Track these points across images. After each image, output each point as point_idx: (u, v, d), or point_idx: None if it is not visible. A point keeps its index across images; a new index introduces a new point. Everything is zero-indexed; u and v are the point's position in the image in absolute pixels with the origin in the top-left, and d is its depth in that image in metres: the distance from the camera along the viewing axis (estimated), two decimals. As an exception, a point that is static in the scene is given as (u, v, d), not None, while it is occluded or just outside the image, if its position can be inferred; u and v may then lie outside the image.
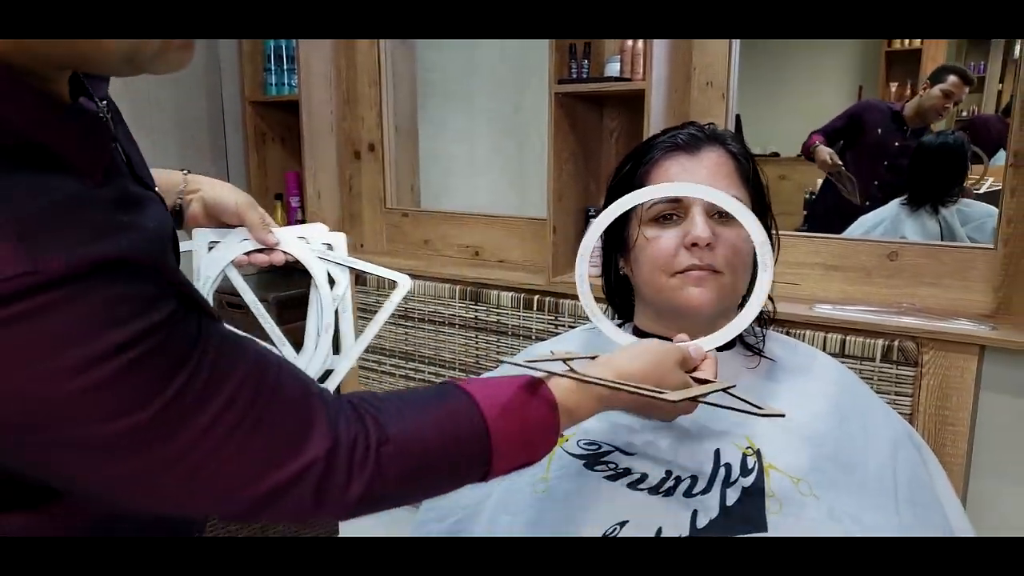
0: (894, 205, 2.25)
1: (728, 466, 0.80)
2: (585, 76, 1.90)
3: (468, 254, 2.31)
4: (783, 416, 0.70)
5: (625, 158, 0.94)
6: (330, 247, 0.91)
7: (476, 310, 2.04)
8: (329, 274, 0.89)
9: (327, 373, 0.89)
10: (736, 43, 1.77)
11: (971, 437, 1.43)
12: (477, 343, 2.05)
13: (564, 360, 0.70)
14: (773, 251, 0.93)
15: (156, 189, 0.66)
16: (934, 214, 2.23)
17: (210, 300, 0.89)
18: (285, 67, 2.47)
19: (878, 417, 0.88)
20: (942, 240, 2.09)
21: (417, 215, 2.48)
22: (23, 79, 0.46)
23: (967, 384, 1.39)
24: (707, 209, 0.85)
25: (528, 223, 2.14)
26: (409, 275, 2.17)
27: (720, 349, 0.91)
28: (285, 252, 0.90)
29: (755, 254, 0.89)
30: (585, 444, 0.86)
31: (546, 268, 1.91)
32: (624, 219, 0.89)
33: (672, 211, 0.86)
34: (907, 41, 2.74)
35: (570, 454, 0.85)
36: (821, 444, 0.81)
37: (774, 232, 0.93)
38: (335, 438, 0.56)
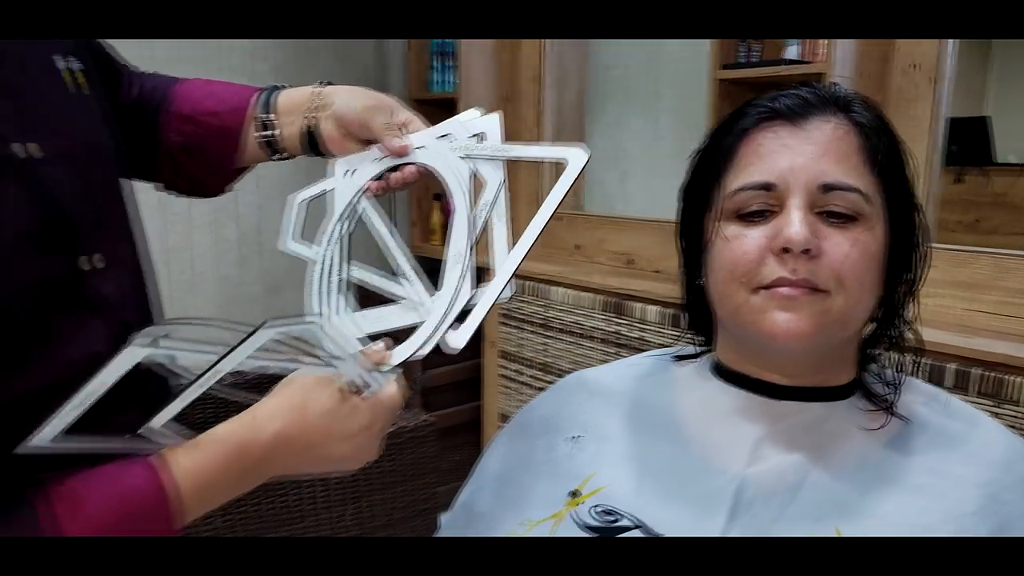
0: None
1: None
2: (756, 60, 1.65)
3: (620, 262, 2.12)
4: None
5: (711, 130, 0.70)
6: (481, 138, 0.71)
7: (618, 323, 1.85)
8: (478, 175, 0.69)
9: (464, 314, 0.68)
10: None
11: None
12: (617, 359, 1.86)
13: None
14: (921, 264, 0.66)
15: (20, 144, 0.53)
16: None
17: (343, 244, 0.76)
18: (448, 64, 2.44)
19: None
20: None
21: (572, 218, 2.32)
22: None
23: None
24: (812, 200, 0.60)
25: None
26: (554, 283, 2.05)
27: (829, 398, 0.66)
28: (418, 164, 0.73)
29: (886, 263, 0.63)
30: (599, 513, 0.64)
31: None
32: (701, 212, 0.67)
33: (762, 201, 0.62)
34: None
35: (580, 524, 0.64)
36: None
37: (919, 239, 0.65)
38: None
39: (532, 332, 2.13)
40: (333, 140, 0.76)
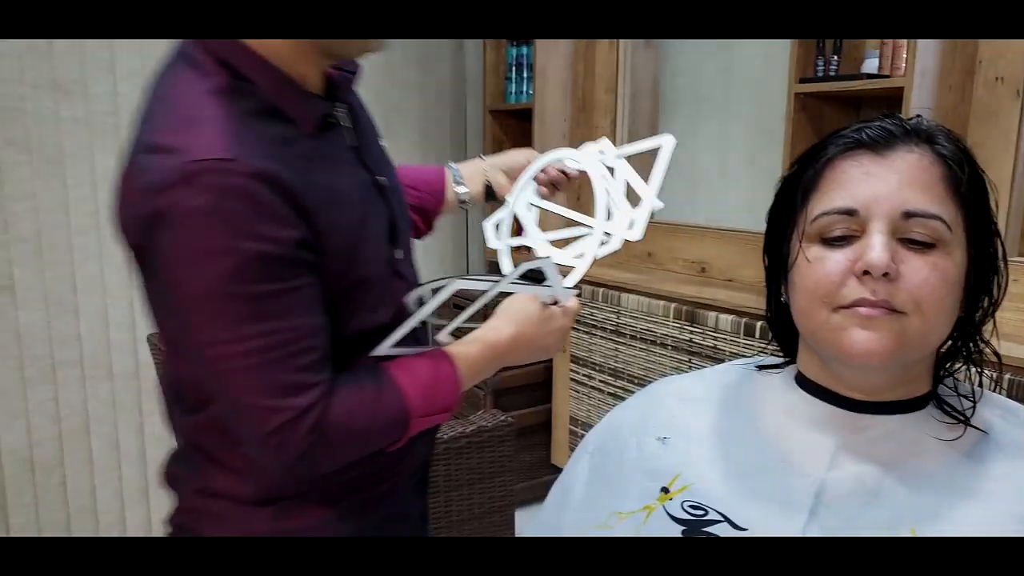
0: None
1: None
2: (833, 74, 1.66)
3: (694, 270, 2.15)
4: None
5: (797, 158, 0.74)
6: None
7: (691, 332, 1.88)
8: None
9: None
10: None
11: None
12: (690, 367, 1.89)
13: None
14: (999, 288, 0.69)
15: (382, 178, 0.87)
16: None
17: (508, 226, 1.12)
18: (525, 75, 2.51)
19: None
20: None
21: (644, 226, 2.36)
22: (278, 70, 0.76)
23: None
24: (894, 227, 0.63)
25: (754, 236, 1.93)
26: (626, 290, 2.09)
27: (907, 410, 0.69)
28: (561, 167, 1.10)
29: (966, 286, 0.66)
30: (691, 507, 0.69)
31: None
32: (785, 232, 0.72)
33: (844, 226, 0.65)
34: None
35: (671, 516, 0.70)
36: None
37: (999, 264, 0.68)
38: (310, 405, 0.74)
39: (603, 338, 2.18)
40: (502, 187, 1.11)
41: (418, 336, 0.90)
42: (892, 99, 1.53)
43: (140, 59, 2.11)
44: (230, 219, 0.68)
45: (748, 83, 2.65)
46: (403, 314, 0.84)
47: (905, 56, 1.50)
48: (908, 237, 0.63)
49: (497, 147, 2.64)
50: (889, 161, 0.65)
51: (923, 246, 0.63)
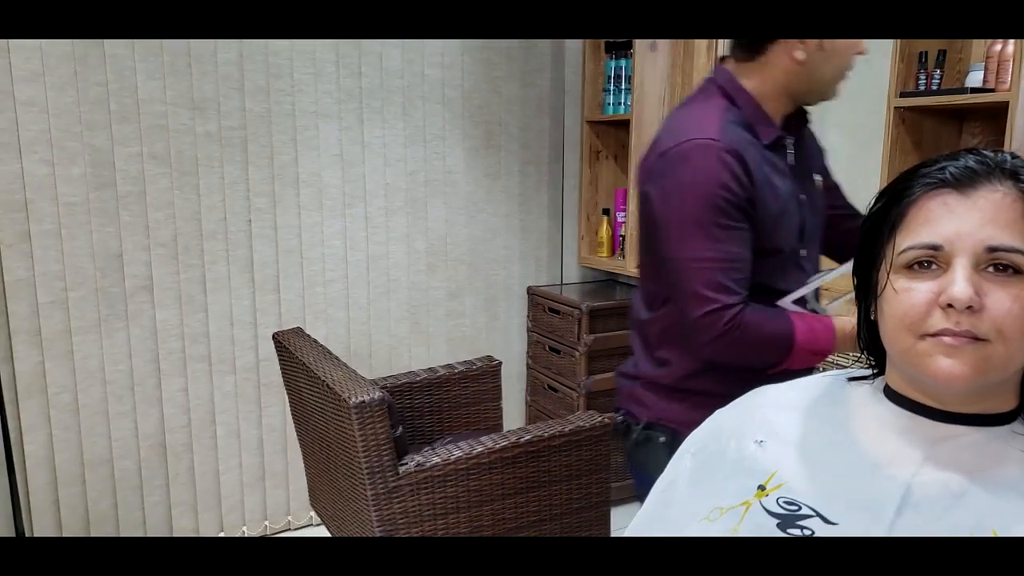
0: None
1: None
2: (936, 87, 1.67)
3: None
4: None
5: (880, 192, 0.79)
6: None
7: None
8: None
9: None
10: None
11: None
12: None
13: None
14: None
15: (803, 195, 1.25)
16: None
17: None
18: (623, 87, 2.58)
19: None
20: None
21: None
22: (757, 103, 1.20)
23: None
24: (977, 260, 0.68)
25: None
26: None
27: (991, 424, 0.74)
28: None
29: None
30: (785, 503, 0.75)
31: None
32: (874, 260, 0.77)
33: (930, 258, 0.70)
34: None
35: (767, 511, 0.76)
36: None
37: None
38: (733, 304, 1.13)
39: (697, 344, 2.23)
40: None
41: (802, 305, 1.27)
42: (997, 112, 1.53)
43: (266, 77, 2.30)
44: (711, 174, 1.09)
45: (847, 95, 2.63)
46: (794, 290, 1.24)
47: (1011, 69, 1.50)
48: (990, 270, 0.68)
49: (595, 157, 2.72)
50: (972, 200, 0.70)
51: (1006, 278, 0.68)
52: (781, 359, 1.17)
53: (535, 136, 2.76)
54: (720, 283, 1.12)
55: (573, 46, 2.75)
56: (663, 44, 2.42)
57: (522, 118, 2.72)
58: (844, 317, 1.20)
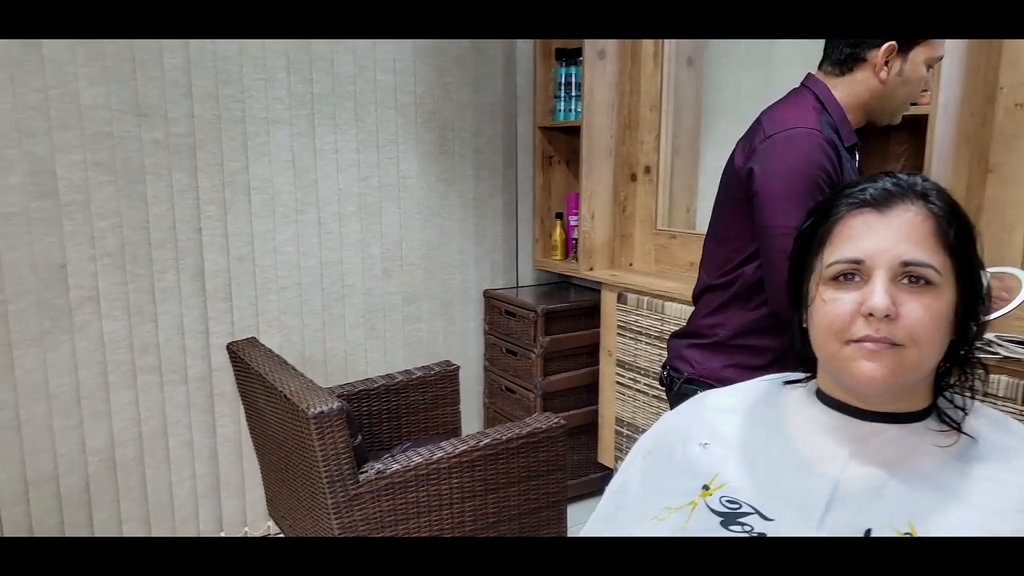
0: None
1: None
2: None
3: (734, 280, 2.24)
4: None
5: (809, 212, 0.86)
6: None
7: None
8: None
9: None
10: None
11: None
12: (731, 373, 1.98)
13: None
14: (980, 334, 0.81)
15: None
16: None
17: None
18: (573, 94, 2.62)
19: None
20: None
21: (686, 237, 2.46)
22: (842, 111, 1.38)
23: None
24: (893, 273, 0.76)
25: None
26: (669, 299, 2.19)
27: (909, 421, 0.80)
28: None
29: (955, 321, 0.78)
30: (728, 501, 0.80)
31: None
32: (804, 273, 0.84)
33: (853, 271, 0.78)
34: None
35: (711, 509, 0.81)
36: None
37: (980, 310, 0.79)
38: None
39: (647, 343, 2.28)
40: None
41: None
42: (918, 124, 1.61)
43: (215, 83, 2.27)
44: (813, 157, 1.26)
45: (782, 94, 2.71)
46: None
47: (931, 83, 1.58)
48: (905, 281, 0.76)
49: (547, 162, 2.76)
50: (889, 219, 0.78)
51: (918, 289, 0.76)
52: None
53: (488, 141, 2.79)
54: None
55: (524, 53, 2.78)
56: (611, 53, 2.47)
57: (475, 123, 2.75)
58: None
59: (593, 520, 0.98)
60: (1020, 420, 1.29)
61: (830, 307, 0.79)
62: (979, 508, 0.73)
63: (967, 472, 0.76)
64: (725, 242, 1.44)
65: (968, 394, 0.83)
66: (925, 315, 0.75)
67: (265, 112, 2.36)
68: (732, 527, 0.78)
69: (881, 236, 0.77)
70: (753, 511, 0.79)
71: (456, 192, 2.77)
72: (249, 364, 1.73)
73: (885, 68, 1.34)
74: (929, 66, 1.37)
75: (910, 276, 0.76)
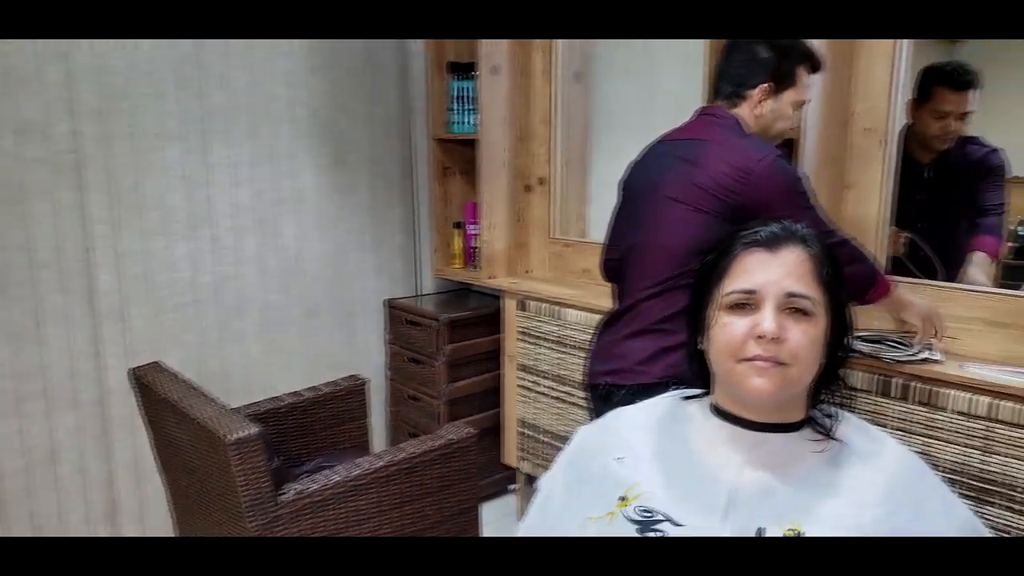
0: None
1: None
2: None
3: (625, 286, 2.39)
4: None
5: (707, 251, 1.00)
6: None
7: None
8: None
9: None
10: (899, 90, 1.71)
11: None
12: (626, 374, 2.13)
13: None
14: (847, 357, 0.97)
15: None
16: None
17: None
18: (468, 107, 2.70)
19: (936, 510, 0.87)
20: None
21: (580, 245, 2.60)
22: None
23: None
24: (780, 303, 0.90)
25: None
26: (566, 305, 2.31)
27: (789, 430, 0.95)
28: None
29: (827, 343, 0.92)
30: (642, 511, 0.92)
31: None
32: (705, 301, 0.97)
33: (747, 301, 0.92)
34: None
35: (628, 518, 0.93)
36: (863, 534, 0.83)
37: (847, 338, 0.96)
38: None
39: (548, 348, 2.40)
40: None
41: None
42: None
43: (100, 98, 2.20)
44: (793, 171, 1.51)
45: (666, 106, 2.90)
46: None
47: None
48: (789, 310, 0.91)
49: (444, 173, 2.82)
50: (777, 257, 0.93)
51: (799, 317, 0.90)
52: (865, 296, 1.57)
53: (385, 153, 2.82)
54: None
55: (417, 66, 2.83)
56: (504, 68, 2.56)
57: (371, 135, 2.77)
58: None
59: (522, 531, 1.07)
60: (876, 408, 1.49)
61: (727, 330, 0.92)
62: (849, 503, 0.88)
63: (838, 472, 0.91)
64: (672, 258, 1.54)
65: (837, 405, 0.98)
66: (804, 339, 0.90)
67: (156, 128, 2.31)
68: (648, 534, 0.90)
69: (771, 271, 0.91)
70: (665, 518, 0.91)
71: (354, 203, 2.79)
72: (156, 391, 1.71)
73: (759, 105, 1.56)
74: (796, 107, 1.59)
75: (793, 306, 0.90)
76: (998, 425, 1.40)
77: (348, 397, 2.18)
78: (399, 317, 2.82)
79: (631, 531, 0.91)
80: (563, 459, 1.09)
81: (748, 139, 1.55)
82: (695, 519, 0.90)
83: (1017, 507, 1.39)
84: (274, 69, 2.51)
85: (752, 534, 0.86)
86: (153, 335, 2.40)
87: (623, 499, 0.95)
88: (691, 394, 1.07)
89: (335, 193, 2.73)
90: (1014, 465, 1.38)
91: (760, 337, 0.89)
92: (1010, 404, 1.39)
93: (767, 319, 0.89)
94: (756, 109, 1.57)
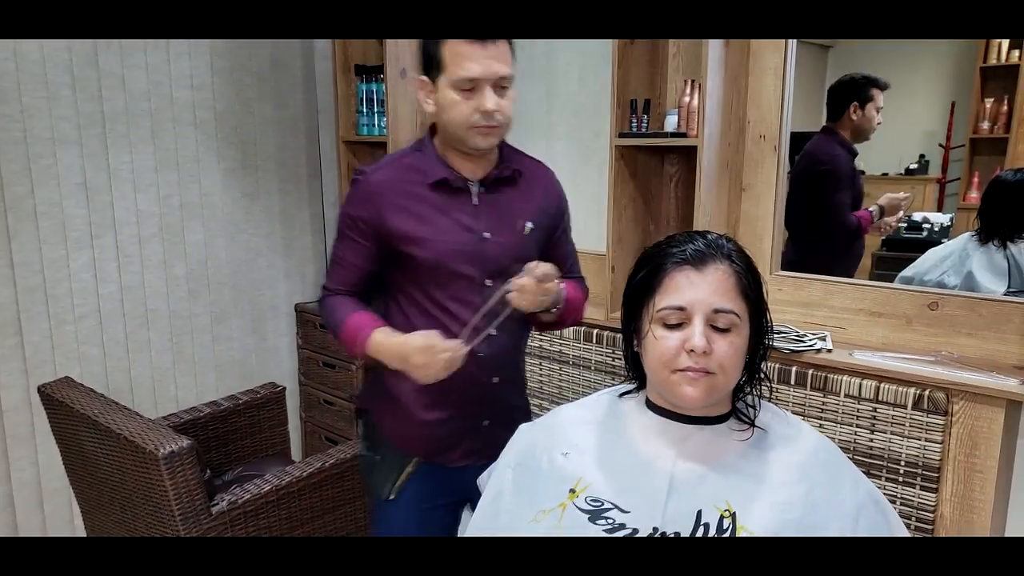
0: (964, 238, 2.27)
1: (707, 525, 0.95)
2: (645, 130, 2.04)
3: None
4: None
5: (639, 263, 1.08)
6: None
7: (540, 339, 2.21)
8: None
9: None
10: (788, 99, 1.87)
11: (1001, 482, 1.50)
12: (540, 370, 2.22)
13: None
14: (766, 355, 1.08)
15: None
16: (1002, 248, 2.25)
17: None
18: (376, 110, 2.71)
19: (845, 485, 1.00)
20: (1008, 276, 2.11)
21: (492, 246, 2.66)
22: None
23: (995, 434, 1.47)
24: (708, 318, 0.99)
25: (594, 258, 2.20)
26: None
27: (716, 422, 1.06)
28: None
29: (749, 348, 1.04)
30: (592, 500, 1.01)
31: (606, 303, 2.06)
32: (639, 312, 1.06)
33: (678, 318, 1.00)
34: (1003, 56, 2.65)
35: (578, 508, 1.01)
36: (787, 510, 0.95)
37: (767, 339, 1.07)
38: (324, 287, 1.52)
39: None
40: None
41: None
42: (689, 149, 1.92)
43: (-13, 103, 2.08)
44: None
45: (566, 103, 3.00)
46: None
47: (697, 119, 1.90)
48: (716, 325, 1.00)
49: (351, 175, 2.81)
50: (704, 275, 1.01)
51: (725, 330, 1.00)
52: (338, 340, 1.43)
53: (292, 155, 2.79)
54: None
55: (323, 68, 2.81)
56: (412, 72, 2.59)
57: (278, 138, 2.74)
58: (382, 332, 1.34)
59: (472, 530, 1.13)
60: (780, 391, 1.63)
61: (661, 343, 1.00)
62: (772, 484, 0.99)
63: (762, 457, 1.02)
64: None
65: (759, 396, 1.09)
66: (730, 350, 1.00)
67: (50, 132, 2.20)
68: (598, 521, 0.98)
69: (699, 289, 1.00)
70: (613, 506, 0.99)
71: (261, 207, 2.75)
72: (71, 406, 1.66)
73: (428, 101, 1.37)
74: (460, 89, 1.30)
75: (719, 321, 0.99)
76: (882, 406, 1.57)
77: (267, 405, 2.16)
78: (311, 321, 2.80)
79: (583, 520, 0.99)
80: (509, 458, 1.16)
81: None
82: (640, 506, 0.99)
83: (901, 479, 1.57)
84: (175, 71, 2.44)
85: (691, 516, 0.96)
86: (52, 349, 2.29)
87: (572, 491, 1.03)
88: (625, 391, 1.15)
89: (242, 197, 2.68)
90: (896, 441, 1.56)
91: (691, 351, 0.98)
92: (892, 387, 1.56)
93: (696, 335, 0.98)
94: (425, 105, 1.38)
